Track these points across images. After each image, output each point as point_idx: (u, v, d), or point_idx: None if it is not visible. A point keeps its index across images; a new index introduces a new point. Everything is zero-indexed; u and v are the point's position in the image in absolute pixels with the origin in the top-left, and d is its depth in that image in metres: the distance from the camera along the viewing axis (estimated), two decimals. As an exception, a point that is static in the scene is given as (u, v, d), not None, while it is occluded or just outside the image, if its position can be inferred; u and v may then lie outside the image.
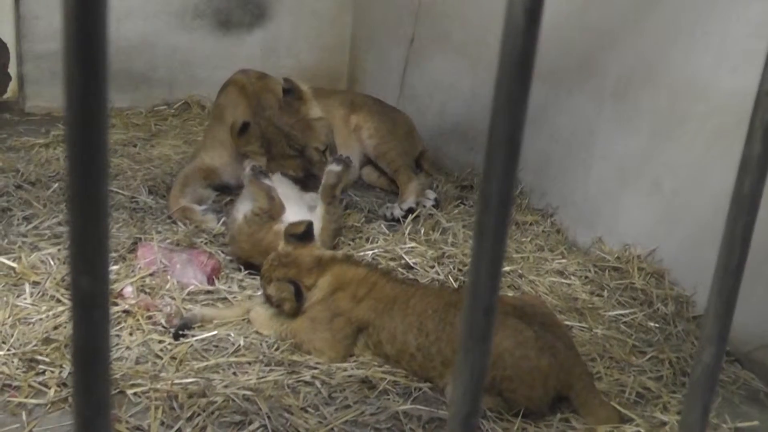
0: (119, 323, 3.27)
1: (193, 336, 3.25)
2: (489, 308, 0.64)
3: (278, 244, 3.74)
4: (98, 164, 0.55)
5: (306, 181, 4.38)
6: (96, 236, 0.54)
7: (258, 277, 3.71)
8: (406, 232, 4.32)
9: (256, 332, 3.34)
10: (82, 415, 0.56)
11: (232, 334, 3.29)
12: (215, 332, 3.29)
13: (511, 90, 0.57)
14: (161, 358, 3.09)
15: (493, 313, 0.65)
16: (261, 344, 3.26)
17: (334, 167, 4.02)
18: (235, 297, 3.63)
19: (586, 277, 4.04)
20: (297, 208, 3.98)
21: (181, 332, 3.24)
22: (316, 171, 4.40)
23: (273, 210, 3.87)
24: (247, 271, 3.86)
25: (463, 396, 0.65)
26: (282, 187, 4.10)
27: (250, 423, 2.75)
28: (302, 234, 3.42)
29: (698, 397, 0.80)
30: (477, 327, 0.64)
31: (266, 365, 3.12)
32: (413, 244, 4.16)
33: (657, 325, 3.67)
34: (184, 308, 3.41)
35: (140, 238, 3.93)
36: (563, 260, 4.20)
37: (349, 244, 4.20)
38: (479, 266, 0.63)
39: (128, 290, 3.43)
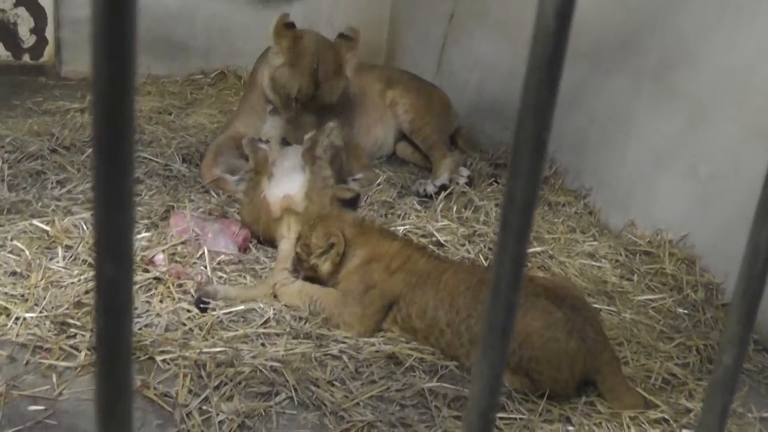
0: (150, 290, 3.30)
1: (220, 309, 3.26)
2: (510, 305, 0.64)
3: (269, 210, 3.77)
4: (123, 156, 0.55)
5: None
6: (121, 225, 0.54)
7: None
8: (438, 209, 4.31)
9: (285, 305, 3.35)
10: (104, 400, 0.57)
11: (261, 306, 3.31)
12: (242, 306, 3.30)
13: (539, 92, 0.57)
14: (190, 327, 3.12)
15: (514, 310, 0.65)
16: (289, 317, 3.28)
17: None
18: (264, 267, 3.65)
19: (617, 261, 4.01)
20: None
21: (201, 304, 3.25)
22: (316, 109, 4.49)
23: (258, 165, 3.95)
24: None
25: (482, 391, 0.66)
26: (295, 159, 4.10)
27: (277, 394, 2.77)
28: (349, 201, 3.48)
29: (717, 397, 0.79)
30: (497, 323, 0.64)
31: (294, 338, 3.14)
32: (445, 222, 4.14)
33: (686, 311, 3.64)
34: (215, 277, 3.44)
35: (173, 206, 3.96)
36: (594, 242, 4.18)
37: (381, 218, 4.20)
38: (502, 264, 0.63)
39: (159, 257, 3.46)
